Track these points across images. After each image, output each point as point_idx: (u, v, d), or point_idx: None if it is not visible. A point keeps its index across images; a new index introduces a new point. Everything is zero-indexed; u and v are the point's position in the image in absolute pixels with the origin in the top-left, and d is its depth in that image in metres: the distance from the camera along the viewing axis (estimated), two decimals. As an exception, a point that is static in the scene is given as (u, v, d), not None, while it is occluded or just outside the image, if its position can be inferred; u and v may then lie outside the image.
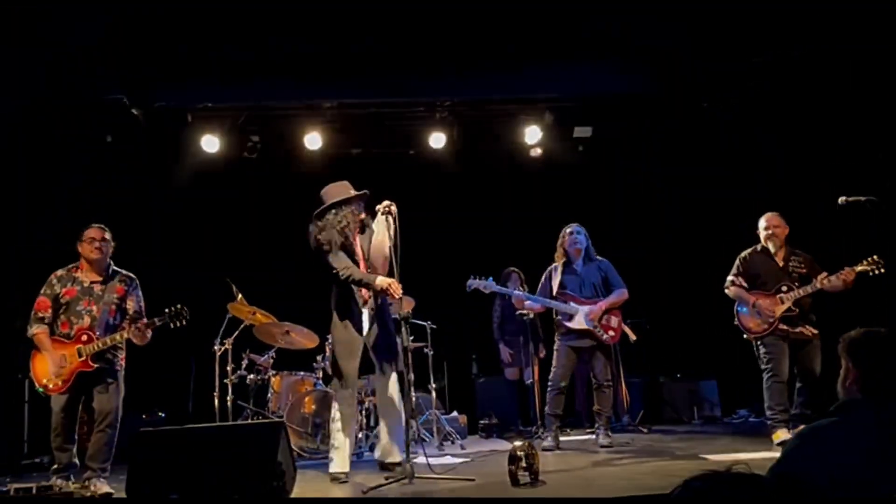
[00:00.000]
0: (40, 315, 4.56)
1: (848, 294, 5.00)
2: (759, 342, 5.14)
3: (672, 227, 8.12)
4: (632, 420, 6.91)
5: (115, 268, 4.82)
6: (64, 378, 4.46)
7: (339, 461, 4.45)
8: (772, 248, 5.23)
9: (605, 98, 7.40)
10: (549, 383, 5.62)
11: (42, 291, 4.63)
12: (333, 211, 4.57)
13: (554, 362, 5.64)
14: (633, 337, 6.26)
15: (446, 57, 6.74)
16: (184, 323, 4.69)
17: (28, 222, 6.76)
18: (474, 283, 5.66)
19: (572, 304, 5.58)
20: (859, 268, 4.90)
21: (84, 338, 4.50)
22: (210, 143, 7.25)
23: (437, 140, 7.50)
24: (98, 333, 4.54)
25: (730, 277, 5.31)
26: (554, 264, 5.80)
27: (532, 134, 7.57)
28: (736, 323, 5.24)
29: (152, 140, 7.29)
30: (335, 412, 4.55)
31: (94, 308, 4.60)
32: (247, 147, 7.62)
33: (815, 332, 5.06)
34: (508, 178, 8.20)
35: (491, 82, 7.01)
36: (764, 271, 5.21)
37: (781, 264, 5.18)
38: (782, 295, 5.06)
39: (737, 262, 5.34)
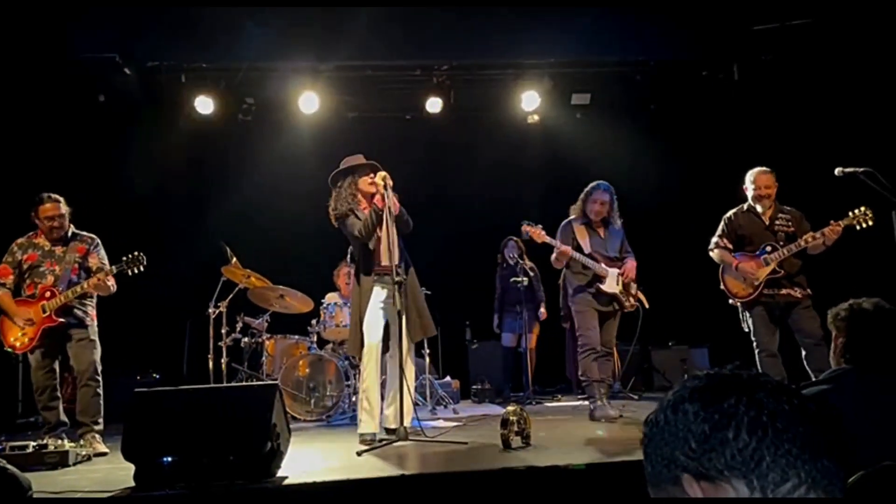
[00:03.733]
0: (1, 281, 4.69)
1: (844, 258, 4.81)
2: (744, 310, 4.93)
3: (667, 195, 8.10)
4: (622, 387, 6.99)
5: (76, 230, 4.88)
6: (30, 335, 4.59)
7: (363, 423, 4.45)
8: (760, 209, 4.96)
9: (604, 65, 7.33)
10: (584, 347, 5.12)
11: (3, 259, 4.77)
12: (339, 182, 4.66)
13: (580, 324, 5.17)
14: (646, 304, 5.67)
15: (444, 20, 6.64)
16: (141, 269, 4.75)
17: (19, 182, 6.70)
18: (530, 228, 5.23)
19: (602, 265, 5.21)
20: (845, 221, 4.67)
21: (47, 294, 4.61)
22: (204, 104, 7.16)
23: (434, 104, 7.43)
24: (61, 289, 4.63)
25: (714, 239, 5.07)
26: (571, 219, 5.34)
27: (530, 100, 7.51)
28: (722, 287, 5.02)
29: (145, 100, 7.19)
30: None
31: (57, 268, 4.72)
32: (241, 109, 7.53)
33: (806, 292, 4.80)
34: (505, 144, 8.15)
35: (489, 46, 6.93)
36: (749, 231, 4.95)
37: (767, 223, 4.93)
38: (766, 256, 4.80)
39: (722, 222, 5.09)
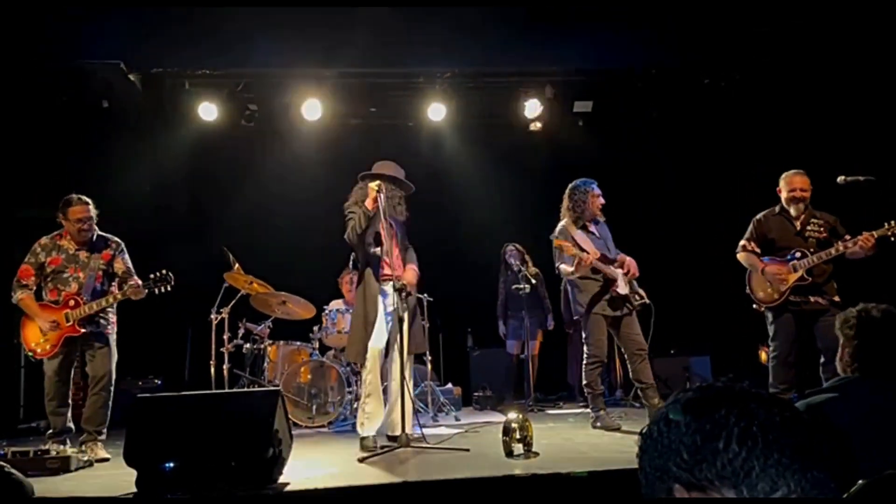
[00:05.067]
0: (23, 282, 4.59)
1: (870, 266, 4.64)
2: (767, 314, 4.78)
3: (669, 202, 8.11)
4: (624, 394, 6.97)
5: (101, 233, 4.82)
6: (52, 342, 4.51)
7: (364, 428, 4.47)
8: (793, 213, 4.77)
9: (606, 73, 7.34)
10: (592, 358, 5.00)
11: (26, 260, 4.65)
12: (359, 185, 4.75)
13: (591, 334, 5.00)
14: (647, 300, 5.23)
15: (447, 27, 6.65)
16: (168, 288, 4.71)
17: (24, 188, 6.72)
18: (562, 242, 4.96)
19: (612, 267, 5.03)
20: (879, 232, 4.46)
21: (71, 303, 4.54)
22: (207, 111, 7.18)
23: (437, 111, 7.45)
24: (85, 298, 4.56)
25: (742, 241, 4.90)
26: (566, 225, 5.11)
27: (532, 108, 7.51)
28: (747, 291, 4.86)
29: (149, 106, 7.21)
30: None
31: (81, 274, 4.63)
32: (245, 115, 7.55)
33: (835, 299, 4.59)
34: (508, 151, 8.16)
35: (491, 54, 6.94)
36: (778, 235, 4.78)
37: (798, 228, 4.74)
38: (795, 262, 4.62)
39: (751, 224, 4.92)
